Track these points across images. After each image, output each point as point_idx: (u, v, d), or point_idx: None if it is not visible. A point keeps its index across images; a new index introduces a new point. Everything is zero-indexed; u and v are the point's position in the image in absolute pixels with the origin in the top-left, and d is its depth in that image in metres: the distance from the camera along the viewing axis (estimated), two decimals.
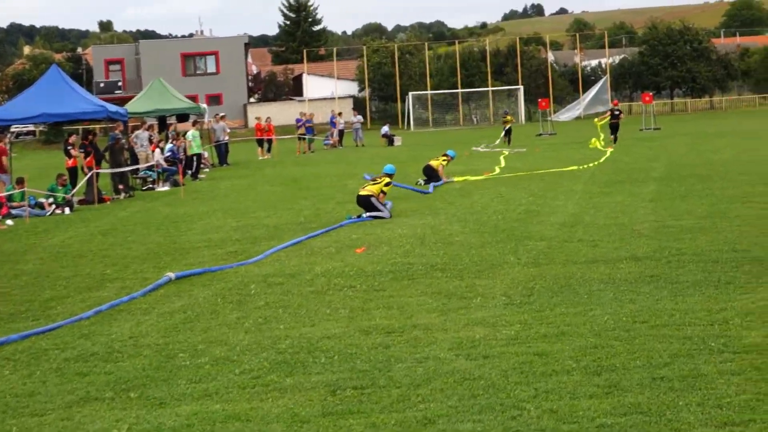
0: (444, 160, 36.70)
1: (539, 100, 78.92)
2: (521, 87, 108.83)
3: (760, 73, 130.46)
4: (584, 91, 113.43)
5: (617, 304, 12.63)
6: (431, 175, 35.95)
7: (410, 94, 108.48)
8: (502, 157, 45.33)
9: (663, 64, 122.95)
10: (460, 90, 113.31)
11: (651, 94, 78.45)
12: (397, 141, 68.11)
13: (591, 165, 37.56)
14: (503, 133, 62.69)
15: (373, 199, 24.07)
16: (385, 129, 70.53)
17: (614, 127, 55.25)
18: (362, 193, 24.45)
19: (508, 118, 64.62)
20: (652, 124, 69.65)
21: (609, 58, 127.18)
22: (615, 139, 53.98)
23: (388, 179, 25.29)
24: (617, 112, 56.75)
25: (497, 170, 37.88)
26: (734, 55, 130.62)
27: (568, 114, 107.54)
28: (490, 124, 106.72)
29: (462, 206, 25.34)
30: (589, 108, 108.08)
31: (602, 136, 55.09)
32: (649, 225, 19.73)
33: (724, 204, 22.45)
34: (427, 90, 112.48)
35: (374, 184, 24.84)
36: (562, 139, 63.44)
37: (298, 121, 64.44)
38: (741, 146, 43.94)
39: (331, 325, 12.40)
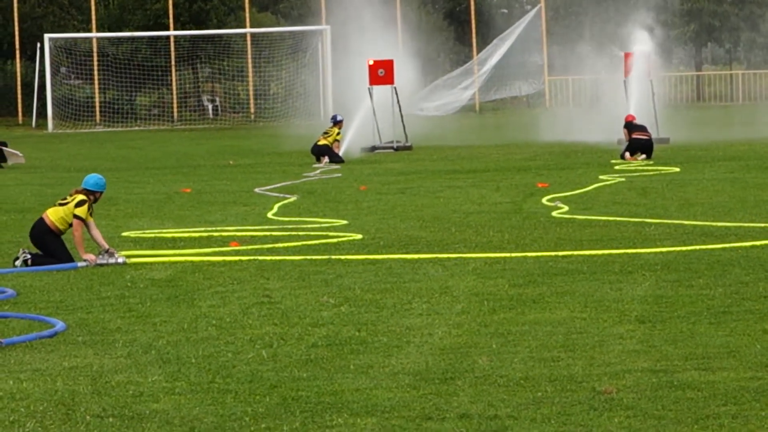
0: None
1: (370, 62, 37.17)
2: (327, 27, 56.31)
3: None
4: (483, 46, 60.79)
5: None
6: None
7: (47, 37, 54.67)
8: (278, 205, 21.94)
9: None
10: (172, 32, 56.98)
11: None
12: (14, 159, 33.44)
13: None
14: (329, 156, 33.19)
15: None
16: None
17: (645, 147, 31.35)
18: None
19: (334, 130, 33.75)
20: (659, 128, 34.69)
21: None
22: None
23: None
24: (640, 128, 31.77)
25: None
26: None
27: (444, 99, 58.89)
28: (249, 119, 58.52)
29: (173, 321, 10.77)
30: (498, 85, 60.31)
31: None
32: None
33: None
34: (92, 31, 57.18)
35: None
36: (431, 157, 33.94)
37: None
38: None
39: None
